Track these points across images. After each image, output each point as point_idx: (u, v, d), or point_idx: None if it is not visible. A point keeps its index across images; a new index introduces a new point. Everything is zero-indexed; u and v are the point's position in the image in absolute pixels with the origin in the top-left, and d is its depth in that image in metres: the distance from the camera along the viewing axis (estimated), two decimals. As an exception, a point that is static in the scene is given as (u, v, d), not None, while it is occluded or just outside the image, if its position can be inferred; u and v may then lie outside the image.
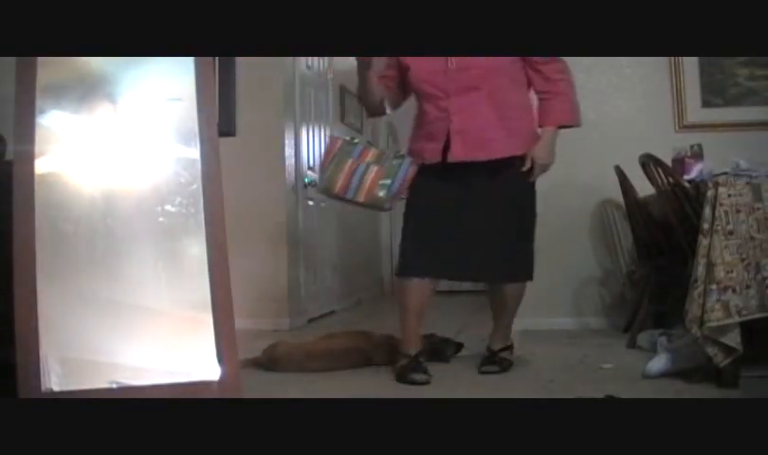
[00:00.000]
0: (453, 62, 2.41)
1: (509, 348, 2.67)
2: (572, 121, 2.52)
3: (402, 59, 2.50)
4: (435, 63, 2.44)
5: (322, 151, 4.68)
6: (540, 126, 2.48)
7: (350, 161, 2.41)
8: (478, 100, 2.41)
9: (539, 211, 3.57)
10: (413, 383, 2.35)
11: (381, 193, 2.38)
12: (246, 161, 3.85)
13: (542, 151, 2.45)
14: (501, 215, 2.46)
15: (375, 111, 2.66)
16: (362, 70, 2.47)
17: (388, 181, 2.38)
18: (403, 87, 2.60)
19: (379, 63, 2.54)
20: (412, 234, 2.50)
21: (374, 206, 2.47)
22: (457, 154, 2.41)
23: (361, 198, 2.40)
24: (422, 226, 2.49)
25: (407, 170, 2.42)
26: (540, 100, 2.50)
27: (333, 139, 2.64)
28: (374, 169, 2.40)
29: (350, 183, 2.39)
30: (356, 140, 2.53)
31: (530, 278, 2.57)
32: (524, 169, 2.43)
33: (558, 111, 2.48)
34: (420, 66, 2.47)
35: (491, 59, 2.37)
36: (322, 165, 2.50)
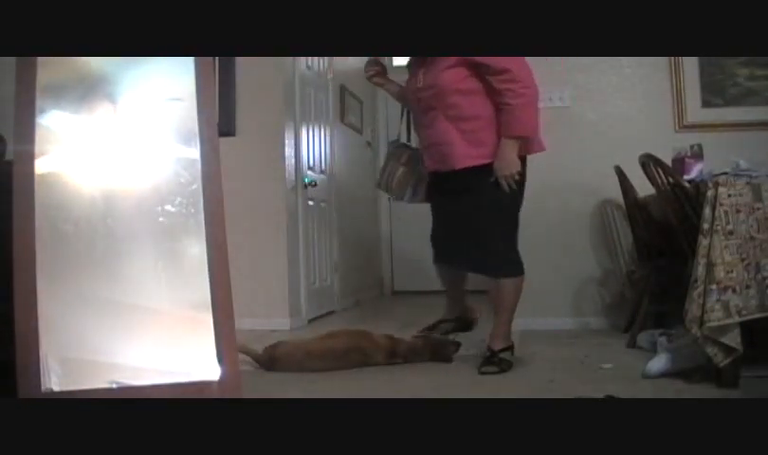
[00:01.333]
0: (421, 81, 2.65)
1: (510, 348, 2.68)
2: (517, 133, 2.52)
3: None
4: (413, 81, 2.72)
5: (323, 151, 4.70)
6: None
7: (391, 163, 2.94)
8: (435, 118, 2.63)
9: (539, 210, 3.58)
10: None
11: (407, 190, 2.90)
12: (247, 161, 3.86)
13: (498, 162, 2.54)
14: (474, 217, 2.63)
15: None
16: (375, 83, 2.93)
17: (411, 180, 2.88)
18: None
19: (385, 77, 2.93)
20: (431, 229, 2.90)
21: (399, 198, 2.97)
22: (427, 165, 2.76)
23: (392, 193, 2.95)
24: (433, 224, 2.88)
25: (423, 171, 2.81)
26: (497, 110, 2.53)
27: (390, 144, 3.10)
28: (401, 170, 2.89)
29: (386, 180, 2.94)
30: (401, 142, 2.98)
31: (502, 275, 2.64)
32: (492, 180, 2.55)
33: (505, 123, 2.51)
34: (407, 82, 2.80)
35: (442, 78, 2.55)
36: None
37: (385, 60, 3.67)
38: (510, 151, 2.52)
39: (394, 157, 2.93)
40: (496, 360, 2.60)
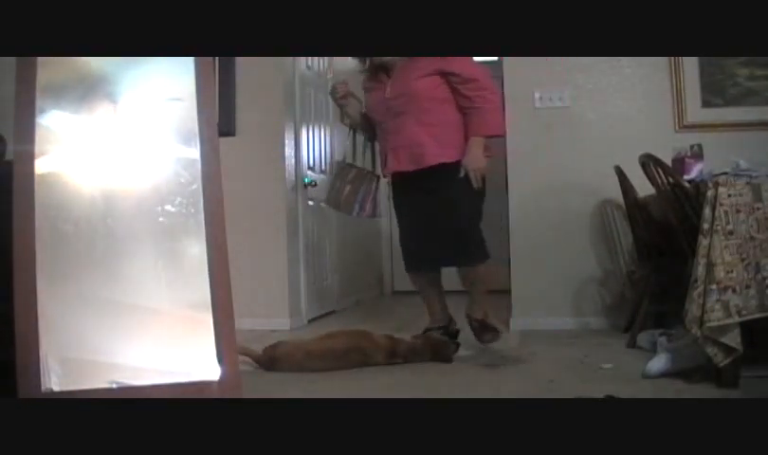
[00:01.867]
0: (389, 91, 2.89)
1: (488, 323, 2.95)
2: (490, 132, 2.87)
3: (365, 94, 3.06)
4: (379, 93, 2.94)
5: (323, 151, 4.70)
6: (468, 137, 2.83)
7: (338, 181, 3.14)
8: (406, 122, 2.85)
9: (539, 210, 3.59)
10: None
11: (354, 206, 3.10)
12: (247, 161, 3.86)
13: (469, 158, 2.81)
14: (444, 213, 2.84)
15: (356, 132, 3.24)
16: (342, 104, 3.09)
17: (357, 196, 3.10)
18: None
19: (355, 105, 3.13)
20: (400, 237, 3.11)
21: (348, 214, 3.20)
22: (390, 167, 2.95)
23: (341, 209, 3.16)
24: (400, 229, 3.10)
25: (367, 188, 3.08)
26: (464, 114, 2.84)
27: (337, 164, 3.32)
28: (348, 188, 3.10)
29: (334, 198, 3.16)
30: (347, 162, 3.18)
31: (471, 263, 2.91)
32: (461, 175, 2.80)
33: (477, 124, 2.82)
34: (371, 98, 3.03)
35: (417, 85, 2.82)
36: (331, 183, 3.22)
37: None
38: (478, 148, 2.82)
39: (340, 177, 3.14)
40: (490, 326, 2.91)
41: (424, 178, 2.84)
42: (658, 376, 2.29)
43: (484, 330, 2.91)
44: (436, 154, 2.81)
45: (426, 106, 2.82)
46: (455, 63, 2.77)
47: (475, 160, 2.81)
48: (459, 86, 2.81)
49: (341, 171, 3.16)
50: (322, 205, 4.57)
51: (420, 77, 2.81)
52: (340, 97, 3.06)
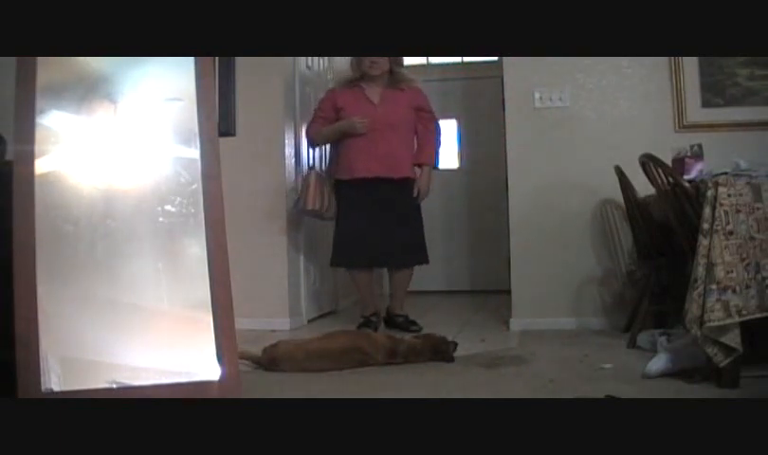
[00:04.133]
0: (380, 110, 3.50)
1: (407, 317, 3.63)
2: (434, 163, 3.70)
3: (337, 103, 3.61)
4: (364, 109, 3.50)
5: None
6: (418, 163, 3.61)
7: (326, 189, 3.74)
8: (394, 136, 3.52)
9: (539, 210, 3.61)
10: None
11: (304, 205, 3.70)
12: (246, 161, 3.85)
13: (424, 182, 3.61)
14: (396, 218, 3.50)
15: (317, 146, 4.00)
16: (351, 131, 3.50)
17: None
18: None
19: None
20: (340, 234, 3.63)
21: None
22: (377, 171, 3.49)
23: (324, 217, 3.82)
24: (351, 229, 3.56)
25: (304, 185, 3.72)
26: (419, 144, 3.64)
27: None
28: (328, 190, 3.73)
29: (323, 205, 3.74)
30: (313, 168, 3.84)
31: (420, 262, 3.64)
32: (414, 194, 3.56)
33: (430, 154, 3.65)
34: (353, 108, 3.53)
35: (406, 114, 3.56)
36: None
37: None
38: (430, 174, 3.66)
39: (323, 181, 3.72)
40: (411, 320, 3.60)
41: (388, 187, 3.47)
42: (658, 376, 2.29)
43: (409, 323, 3.57)
44: (407, 168, 3.56)
45: (407, 129, 3.57)
46: (427, 104, 3.64)
47: (428, 183, 3.62)
48: (427, 122, 3.63)
49: (320, 177, 3.76)
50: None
51: (408, 107, 3.56)
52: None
